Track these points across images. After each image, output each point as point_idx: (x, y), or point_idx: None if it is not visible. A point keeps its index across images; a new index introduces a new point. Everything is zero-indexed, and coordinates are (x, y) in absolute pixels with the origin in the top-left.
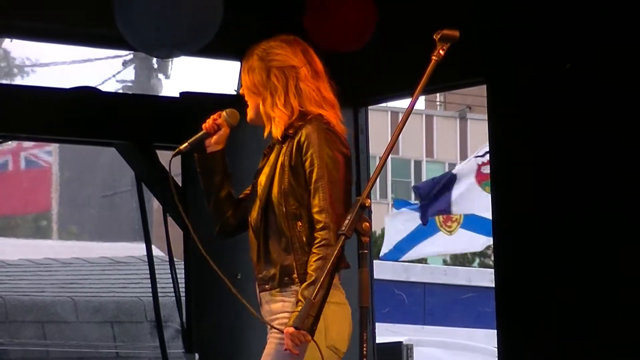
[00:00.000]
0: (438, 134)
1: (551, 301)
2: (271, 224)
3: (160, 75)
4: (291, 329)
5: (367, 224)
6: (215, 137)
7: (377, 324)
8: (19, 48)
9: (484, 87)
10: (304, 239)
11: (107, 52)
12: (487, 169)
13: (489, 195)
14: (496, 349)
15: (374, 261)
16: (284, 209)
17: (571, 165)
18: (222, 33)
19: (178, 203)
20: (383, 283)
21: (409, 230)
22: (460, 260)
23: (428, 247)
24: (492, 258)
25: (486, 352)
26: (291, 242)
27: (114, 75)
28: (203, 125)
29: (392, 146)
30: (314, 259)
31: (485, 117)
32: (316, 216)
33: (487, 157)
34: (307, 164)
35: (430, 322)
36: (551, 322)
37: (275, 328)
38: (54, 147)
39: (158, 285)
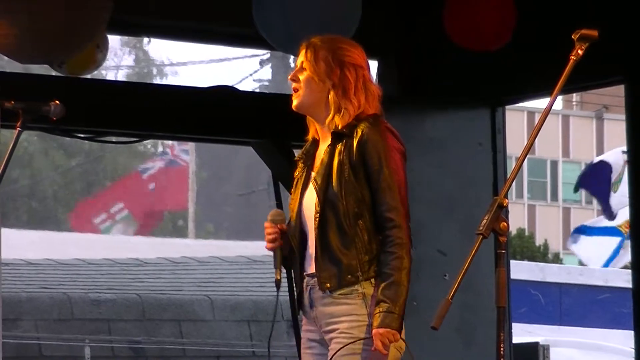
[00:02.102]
0: (574, 134)
1: None
2: (330, 222)
3: None
4: (382, 329)
5: (505, 223)
6: (280, 242)
7: (513, 324)
8: (158, 49)
9: (621, 86)
10: (366, 237)
11: (245, 51)
12: None
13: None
14: (633, 350)
15: (511, 261)
16: (346, 208)
17: None
18: (360, 30)
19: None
20: (519, 283)
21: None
22: None
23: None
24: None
25: (623, 353)
26: (353, 241)
27: (251, 74)
28: (268, 246)
29: (530, 146)
30: (391, 258)
31: (622, 117)
32: (387, 214)
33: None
34: (373, 162)
35: (566, 322)
36: None
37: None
38: (190, 146)
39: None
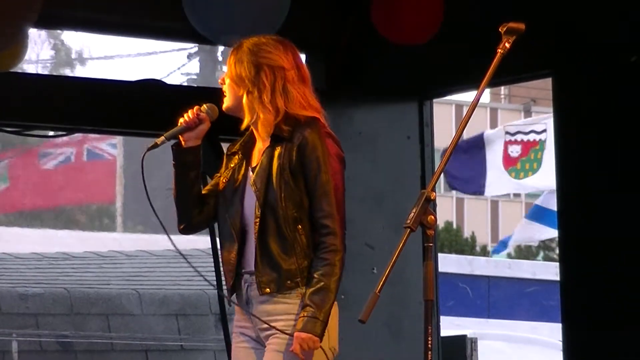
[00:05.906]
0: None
1: (617, 294)
2: (269, 226)
3: (225, 68)
4: (303, 334)
5: (432, 217)
6: (195, 131)
7: (441, 317)
8: (77, 40)
9: (549, 80)
10: (305, 242)
11: (172, 45)
12: (514, 152)
13: (516, 180)
14: (561, 343)
15: (439, 254)
16: (285, 213)
17: (638, 158)
18: (287, 23)
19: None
20: (447, 276)
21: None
22: (525, 253)
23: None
24: (557, 251)
25: (551, 346)
26: (292, 246)
27: (178, 68)
28: (181, 119)
29: (458, 139)
30: (322, 264)
31: (550, 109)
32: (322, 221)
33: (517, 137)
34: (311, 167)
35: (494, 315)
36: (617, 316)
37: (282, 332)
38: (118, 139)
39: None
